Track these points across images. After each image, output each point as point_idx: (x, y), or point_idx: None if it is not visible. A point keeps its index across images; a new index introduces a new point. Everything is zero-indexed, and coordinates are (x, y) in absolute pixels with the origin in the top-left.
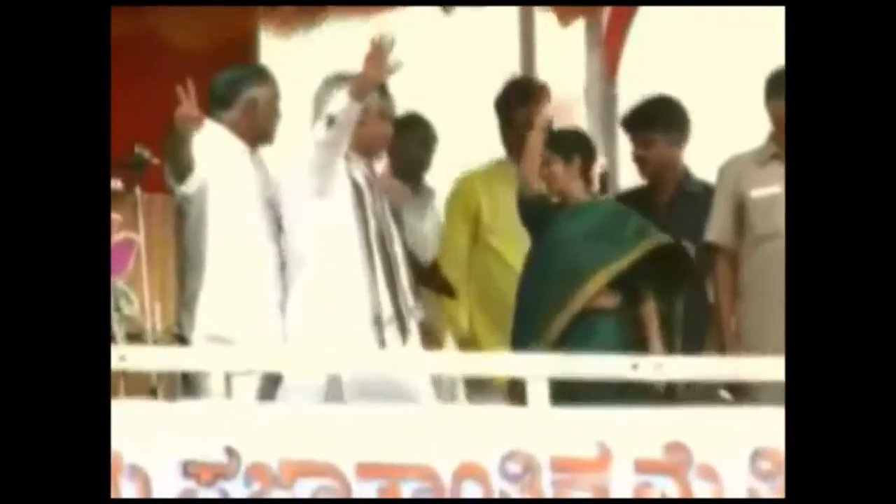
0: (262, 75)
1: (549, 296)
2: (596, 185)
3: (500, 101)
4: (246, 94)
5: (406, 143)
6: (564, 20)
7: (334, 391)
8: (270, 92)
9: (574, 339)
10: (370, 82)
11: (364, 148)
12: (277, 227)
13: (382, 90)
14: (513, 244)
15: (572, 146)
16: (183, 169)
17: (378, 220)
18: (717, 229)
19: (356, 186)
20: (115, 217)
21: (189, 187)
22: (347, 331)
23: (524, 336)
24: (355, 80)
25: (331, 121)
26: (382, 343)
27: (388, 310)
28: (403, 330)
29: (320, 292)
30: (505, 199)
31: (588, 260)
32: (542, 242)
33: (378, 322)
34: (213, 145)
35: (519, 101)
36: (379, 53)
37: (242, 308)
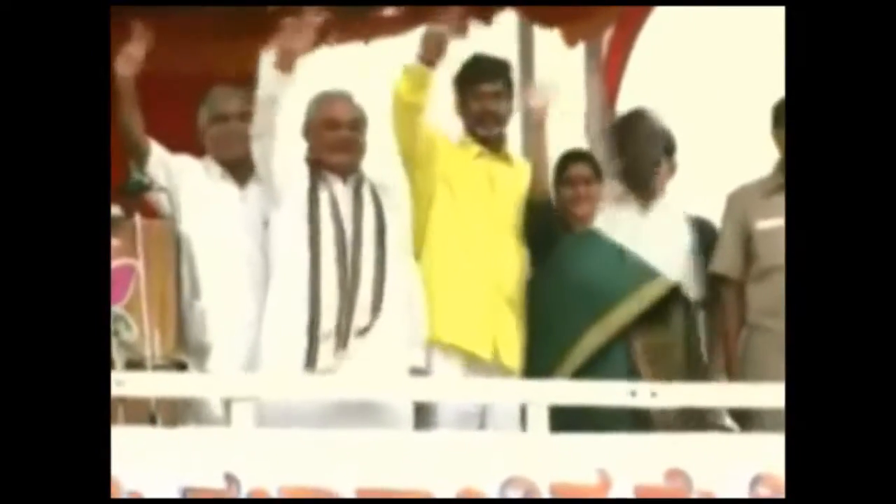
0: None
1: (562, 330)
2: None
3: (461, 77)
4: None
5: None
6: (565, 41)
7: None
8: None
9: (593, 369)
10: (293, 51)
11: (335, 153)
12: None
13: (351, 102)
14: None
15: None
16: (134, 137)
17: (339, 234)
18: (723, 260)
19: (314, 197)
20: (115, 243)
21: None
22: (282, 344)
23: (540, 364)
24: (277, 51)
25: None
26: (312, 360)
27: (328, 325)
28: (342, 347)
29: (274, 304)
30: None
31: (589, 311)
32: (549, 265)
33: (312, 337)
34: (193, 172)
35: (480, 77)
36: (302, 24)
37: (223, 317)
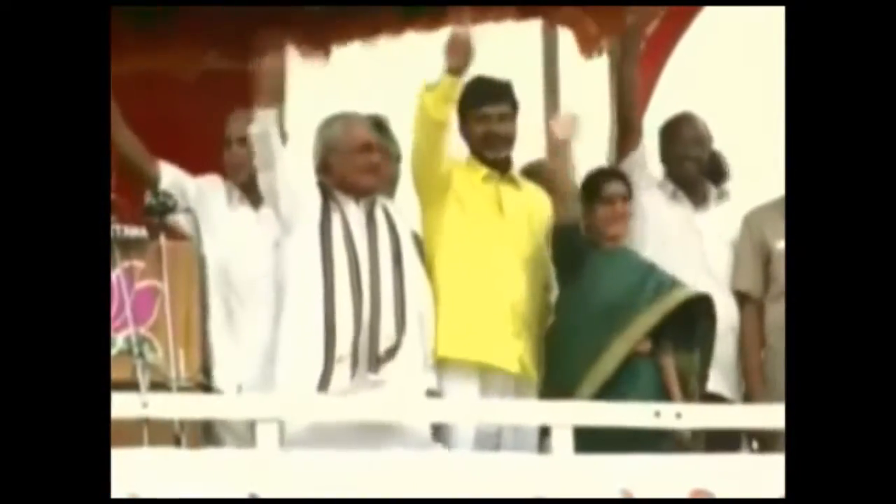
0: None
1: (587, 344)
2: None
3: (463, 99)
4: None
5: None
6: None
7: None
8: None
9: (619, 383)
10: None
11: (357, 185)
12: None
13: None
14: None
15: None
16: (134, 160)
17: (351, 257)
18: (744, 278)
19: (326, 220)
20: (140, 265)
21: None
22: (297, 366)
23: (561, 381)
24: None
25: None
26: (326, 382)
27: (343, 348)
28: (358, 369)
29: (288, 325)
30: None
31: (623, 313)
32: (577, 284)
33: (327, 361)
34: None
35: (484, 100)
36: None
37: (238, 337)
